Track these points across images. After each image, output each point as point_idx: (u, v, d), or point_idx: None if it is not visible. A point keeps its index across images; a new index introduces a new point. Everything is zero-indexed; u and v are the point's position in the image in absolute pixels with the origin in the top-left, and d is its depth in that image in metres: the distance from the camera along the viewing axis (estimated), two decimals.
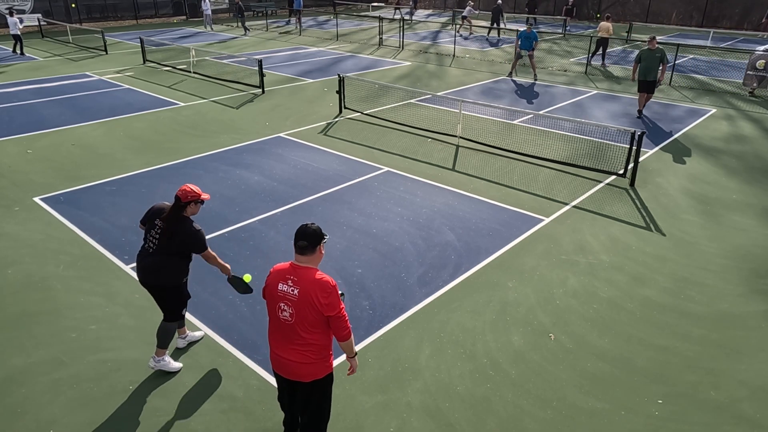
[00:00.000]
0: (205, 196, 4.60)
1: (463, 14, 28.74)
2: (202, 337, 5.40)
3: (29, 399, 4.64)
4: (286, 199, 8.42)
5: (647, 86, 12.65)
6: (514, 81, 17.04)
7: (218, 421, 4.44)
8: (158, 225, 4.57)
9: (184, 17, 33.05)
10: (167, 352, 5.00)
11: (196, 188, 4.55)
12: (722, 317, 5.80)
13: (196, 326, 5.56)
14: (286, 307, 3.52)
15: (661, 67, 12.38)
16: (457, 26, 28.49)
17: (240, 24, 26.83)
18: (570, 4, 29.78)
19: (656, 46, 12.34)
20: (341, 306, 3.50)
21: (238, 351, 5.21)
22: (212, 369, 4.99)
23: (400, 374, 4.96)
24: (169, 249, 4.55)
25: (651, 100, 13.51)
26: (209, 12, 27.22)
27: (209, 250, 4.67)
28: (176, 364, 5.01)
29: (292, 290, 3.48)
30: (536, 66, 17.76)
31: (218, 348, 5.26)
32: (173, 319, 4.83)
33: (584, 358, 5.20)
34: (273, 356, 3.73)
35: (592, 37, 19.23)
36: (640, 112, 13.11)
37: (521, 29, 17.11)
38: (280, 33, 27.36)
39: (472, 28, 28.93)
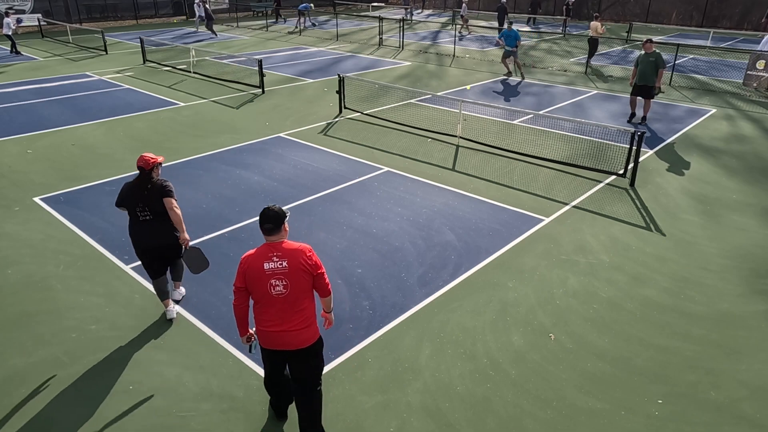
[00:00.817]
0: (160, 158, 5.40)
1: (461, 14, 28.81)
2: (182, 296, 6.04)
3: (29, 399, 4.64)
4: (286, 199, 8.42)
5: (641, 91, 12.15)
6: (508, 82, 17.05)
7: (218, 421, 4.44)
8: (141, 197, 5.20)
9: (184, 17, 33.05)
10: (176, 285, 5.94)
11: (152, 155, 5.33)
12: (722, 317, 5.80)
13: (193, 323, 5.56)
14: (278, 282, 3.75)
15: (658, 73, 11.82)
16: (458, 26, 28.56)
17: (207, 28, 25.96)
18: (570, 3, 29.76)
19: (652, 49, 11.85)
20: (320, 262, 3.92)
21: (238, 351, 5.21)
22: (212, 369, 5.00)
23: (400, 374, 4.96)
24: (162, 209, 5.21)
25: (653, 104, 13.44)
26: (202, 14, 27.22)
27: (174, 201, 5.25)
28: (183, 290, 6.03)
29: (281, 264, 3.75)
30: (521, 66, 17.71)
31: (218, 348, 5.26)
32: (180, 256, 5.56)
33: (584, 358, 5.20)
34: (268, 336, 3.87)
35: (590, 37, 19.21)
36: (632, 115, 12.62)
37: (504, 28, 17.19)
38: (289, 33, 27.35)
39: (469, 27, 28.98)
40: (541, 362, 5.14)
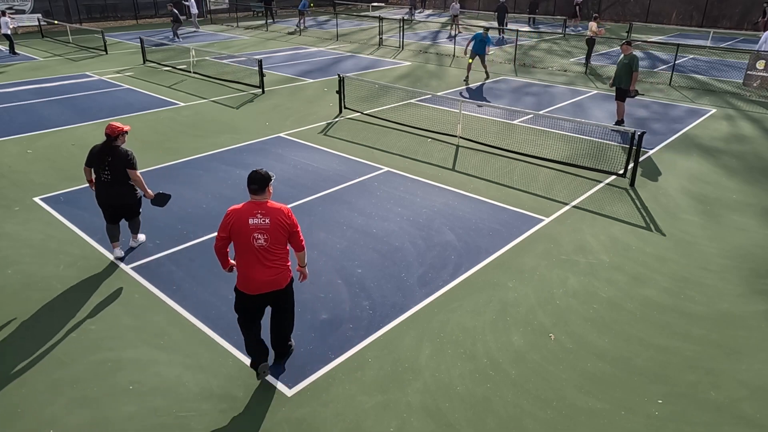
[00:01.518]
0: (127, 128, 6.26)
1: (454, 13, 28.85)
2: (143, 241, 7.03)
3: (29, 399, 4.64)
4: (286, 199, 8.42)
5: (617, 93, 11.96)
6: (468, 88, 17.05)
7: (218, 421, 4.44)
8: (106, 160, 6.12)
9: (184, 17, 33.01)
10: (134, 236, 6.91)
11: (119, 124, 6.17)
12: (722, 317, 5.80)
13: (193, 323, 5.56)
14: (260, 236, 4.42)
15: (632, 75, 11.52)
16: (454, 26, 28.60)
17: (173, 31, 25.26)
18: (579, 3, 29.64)
19: (629, 51, 11.56)
20: (296, 221, 4.61)
21: (238, 351, 5.21)
22: (212, 369, 5.00)
23: (400, 374, 4.96)
24: (121, 173, 6.12)
25: (653, 104, 13.41)
26: (195, 11, 27.17)
27: (137, 172, 6.25)
28: (142, 236, 7.01)
29: (263, 220, 4.42)
30: (487, 65, 17.16)
31: (218, 348, 5.26)
32: (137, 214, 6.70)
33: (584, 358, 5.20)
34: (250, 282, 4.52)
35: (588, 38, 19.21)
36: (618, 122, 12.17)
37: (479, 32, 16.32)
38: (289, 33, 27.34)
39: (459, 26, 28.95)
40: (541, 362, 5.14)
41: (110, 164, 6.10)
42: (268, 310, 5.03)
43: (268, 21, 31.40)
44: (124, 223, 6.83)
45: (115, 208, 6.41)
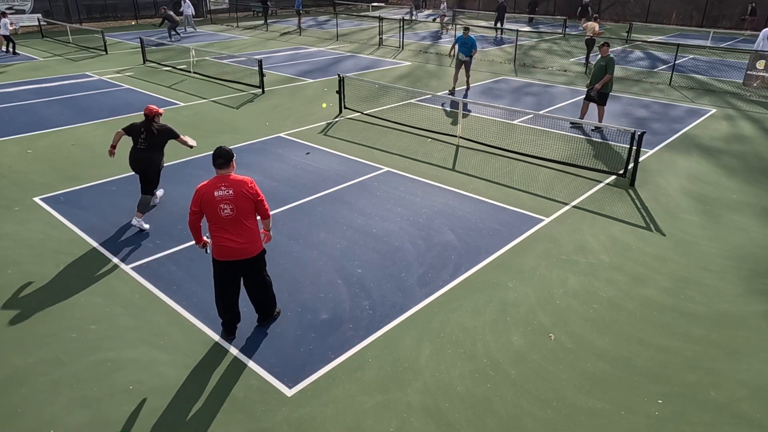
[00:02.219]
0: (161, 110, 7.50)
1: (441, 13, 28.65)
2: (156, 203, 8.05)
3: (29, 399, 4.64)
4: (286, 199, 8.42)
5: (596, 97, 11.75)
6: (450, 91, 17.03)
7: (218, 421, 4.44)
8: (142, 133, 7.33)
9: (181, 17, 33.00)
10: (142, 216, 7.45)
11: (155, 107, 7.38)
12: (722, 317, 5.80)
13: (193, 323, 5.56)
14: (225, 206, 4.83)
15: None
16: (441, 26, 28.60)
17: (169, 32, 25.16)
18: (587, 3, 29.52)
19: (607, 53, 11.44)
20: (262, 193, 5.02)
21: (238, 351, 5.21)
22: (212, 369, 5.00)
23: (400, 374, 4.96)
24: (154, 144, 7.39)
25: (653, 104, 13.39)
26: (190, 12, 27.20)
27: (180, 136, 7.54)
28: (146, 225, 7.45)
29: (227, 192, 4.82)
30: (470, 78, 15.61)
31: (218, 348, 5.26)
32: (151, 193, 7.59)
33: (584, 358, 5.20)
34: (221, 249, 4.94)
35: (588, 38, 19.22)
36: (574, 122, 11.91)
37: (460, 34, 15.11)
38: (288, 33, 27.35)
39: (445, 26, 28.87)
40: (541, 362, 5.14)
41: (146, 137, 7.36)
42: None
43: (268, 21, 31.39)
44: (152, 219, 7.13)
45: (146, 172, 7.52)
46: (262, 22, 31.86)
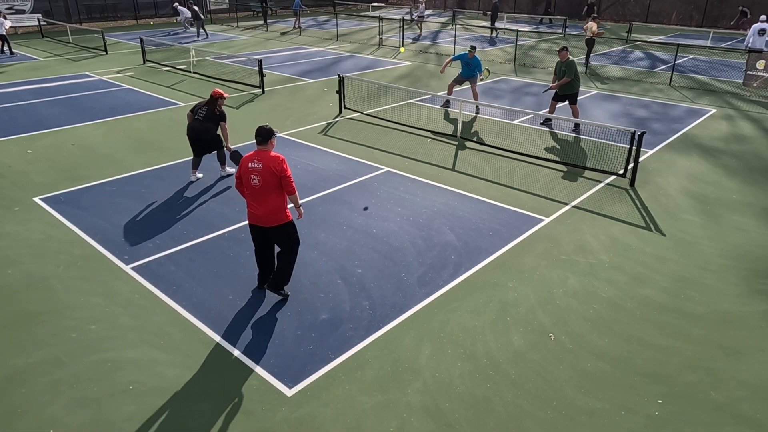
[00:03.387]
0: (226, 95, 8.73)
1: (418, 14, 27.13)
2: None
3: (29, 399, 4.64)
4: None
5: (563, 97, 11.90)
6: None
7: (218, 421, 4.44)
8: (203, 108, 8.62)
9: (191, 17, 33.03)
10: (227, 165, 9.40)
11: (221, 91, 8.58)
12: (722, 317, 5.80)
13: (193, 323, 5.56)
14: (255, 176, 5.42)
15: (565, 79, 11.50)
16: (419, 27, 27.21)
17: (199, 29, 25.70)
18: (593, 3, 29.34)
19: (566, 58, 11.50)
20: (289, 171, 5.47)
21: (238, 351, 5.21)
22: (212, 369, 5.00)
23: (400, 374, 4.96)
24: (208, 118, 8.57)
25: (653, 104, 13.37)
26: (188, 14, 27.34)
27: (226, 124, 8.76)
28: (232, 170, 9.44)
29: (258, 165, 5.41)
30: (477, 92, 13.62)
31: (218, 348, 5.26)
32: (222, 147, 9.03)
33: (584, 358, 5.20)
34: (251, 216, 5.59)
35: (587, 38, 19.22)
36: (546, 119, 12.27)
37: (465, 52, 13.32)
38: (288, 32, 27.34)
39: (421, 26, 27.41)
40: (541, 362, 5.14)
41: (205, 112, 8.59)
42: None
43: (268, 21, 31.39)
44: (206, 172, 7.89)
45: (199, 142, 8.69)
46: (261, 22, 31.88)
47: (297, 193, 5.78)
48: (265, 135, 5.44)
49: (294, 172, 9.53)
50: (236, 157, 8.35)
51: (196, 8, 25.72)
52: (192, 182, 9.00)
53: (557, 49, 11.58)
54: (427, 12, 39.79)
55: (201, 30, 25.67)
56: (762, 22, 17.63)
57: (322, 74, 17.74)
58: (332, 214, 7.95)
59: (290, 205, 6.65)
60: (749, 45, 17.49)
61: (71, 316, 5.69)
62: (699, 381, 4.93)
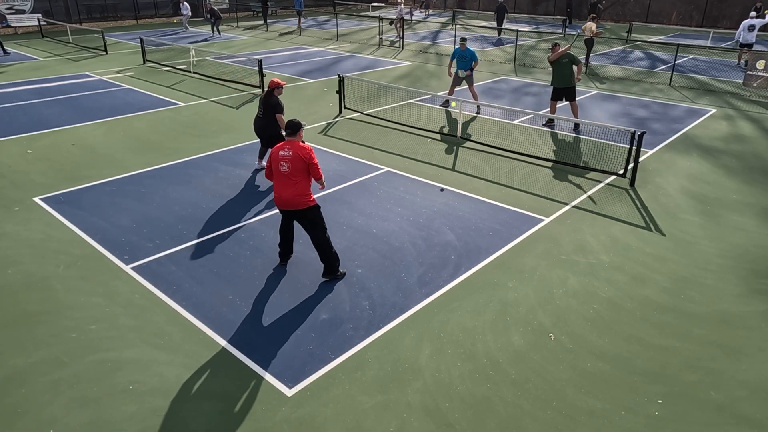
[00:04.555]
0: (283, 83, 8.84)
1: (399, 15, 24.62)
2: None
3: (29, 399, 4.64)
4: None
5: (563, 93, 12.04)
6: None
7: (218, 421, 4.44)
8: (261, 103, 8.82)
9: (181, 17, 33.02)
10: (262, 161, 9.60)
11: (278, 80, 8.74)
12: (722, 317, 5.80)
13: (193, 323, 5.56)
14: (284, 163, 5.95)
15: (576, 69, 11.73)
16: (399, 30, 24.65)
17: (213, 28, 26.07)
18: (600, 3, 28.97)
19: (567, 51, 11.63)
20: (316, 159, 6.03)
21: (238, 351, 5.21)
22: (212, 369, 5.00)
23: (400, 374, 4.96)
24: (266, 111, 8.79)
25: (652, 104, 13.38)
26: (188, 12, 27.43)
27: (282, 116, 8.79)
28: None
29: (288, 153, 5.94)
30: (476, 92, 13.71)
31: (218, 348, 5.26)
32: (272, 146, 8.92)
33: (584, 358, 5.20)
34: (276, 198, 6.11)
35: (586, 38, 19.21)
36: (548, 120, 12.27)
37: (457, 47, 13.31)
38: (289, 32, 27.34)
39: (399, 29, 24.65)
40: (541, 362, 5.14)
41: (263, 106, 8.81)
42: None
43: (268, 21, 31.37)
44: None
45: (261, 138, 9.15)
46: (262, 22, 31.88)
47: (323, 177, 6.68)
48: (294, 127, 6.05)
49: None
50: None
51: (215, 8, 26.18)
52: (257, 170, 9.56)
53: (551, 45, 11.69)
54: (426, 12, 39.76)
55: (215, 29, 26.14)
56: (751, 18, 18.75)
57: (322, 74, 17.74)
58: (332, 214, 7.95)
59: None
60: (740, 40, 18.86)
61: (71, 316, 5.69)
62: (699, 381, 4.93)
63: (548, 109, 13.09)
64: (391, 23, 26.01)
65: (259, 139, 9.56)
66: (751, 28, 18.58)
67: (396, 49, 22.96)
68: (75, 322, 5.60)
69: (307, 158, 5.94)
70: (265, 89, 9.03)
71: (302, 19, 29.11)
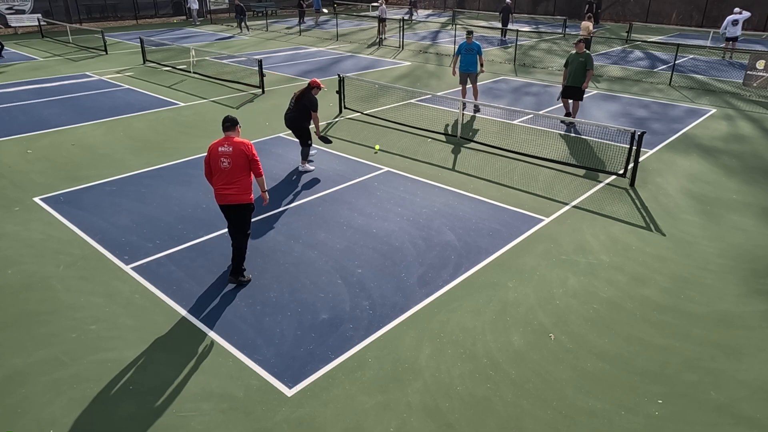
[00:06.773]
0: (323, 86, 9.24)
1: (381, 15, 24.24)
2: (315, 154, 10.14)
3: (29, 399, 4.64)
4: (284, 199, 8.42)
5: (570, 92, 12.07)
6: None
7: (218, 421, 4.44)
8: (294, 98, 9.13)
9: (184, 17, 33.06)
10: (306, 162, 9.53)
11: (318, 81, 9.05)
12: (722, 317, 5.80)
13: (193, 323, 5.56)
14: (225, 159, 5.85)
15: (587, 73, 11.67)
16: (381, 30, 24.45)
17: (241, 24, 26.96)
18: (591, 1, 28.89)
19: (582, 50, 11.62)
20: (257, 155, 5.95)
21: (238, 351, 5.21)
22: (212, 369, 5.00)
23: (400, 374, 4.96)
24: (299, 107, 9.07)
25: (652, 104, 13.41)
26: (196, 6, 27.67)
27: (317, 114, 9.18)
28: (311, 167, 9.58)
29: (228, 149, 5.84)
30: (477, 89, 13.36)
31: (218, 348, 5.26)
32: (308, 145, 9.37)
33: (584, 358, 5.20)
34: (218, 195, 5.96)
35: (588, 37, 19.22)
36: (568, 113, 12.42)
37: (464, 41, 12.89)
38: (290, 31, 27.35)
39: (384, 30, 24.64)
40: (541, 362, 5.14)
41: (296, 101, 9.08)
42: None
43: (268, 21, 31.41)
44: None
45: (291, 128, 9.26)
46: (262, 21, 31.87)
47: (264, 176, 6.40)
48: (232, 121, 5.97)
49: (294, 172, 9.53)
50: (325, 141, 9.71)
51: (241, 4, 26.87)
52: (302, 172, 9.54)
53: (574, 42, 11.69)
54: (426, 12, 39.75)
55: (243, 24, 26.71)
56: (735, 13, 20.52)
57: (322, 74, 17.73)
58: (332, 214, 7.95)
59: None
60: (726, 34, 20.66)
61: (71, 316, 5.69)
62: (699, 381, 4.93)
63: (549, 109, 13.11)
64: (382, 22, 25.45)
65: (290, 131, 9.93)
66: (735, 23, 20.42)
67: (396, 49, 22.95)
68: (75, 322, 5.60)
69: (249, 153, 5.84)
70: (302, 88, 9.20)
71: (320, 18, 29.22)
